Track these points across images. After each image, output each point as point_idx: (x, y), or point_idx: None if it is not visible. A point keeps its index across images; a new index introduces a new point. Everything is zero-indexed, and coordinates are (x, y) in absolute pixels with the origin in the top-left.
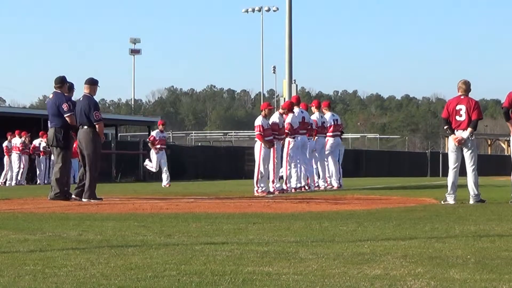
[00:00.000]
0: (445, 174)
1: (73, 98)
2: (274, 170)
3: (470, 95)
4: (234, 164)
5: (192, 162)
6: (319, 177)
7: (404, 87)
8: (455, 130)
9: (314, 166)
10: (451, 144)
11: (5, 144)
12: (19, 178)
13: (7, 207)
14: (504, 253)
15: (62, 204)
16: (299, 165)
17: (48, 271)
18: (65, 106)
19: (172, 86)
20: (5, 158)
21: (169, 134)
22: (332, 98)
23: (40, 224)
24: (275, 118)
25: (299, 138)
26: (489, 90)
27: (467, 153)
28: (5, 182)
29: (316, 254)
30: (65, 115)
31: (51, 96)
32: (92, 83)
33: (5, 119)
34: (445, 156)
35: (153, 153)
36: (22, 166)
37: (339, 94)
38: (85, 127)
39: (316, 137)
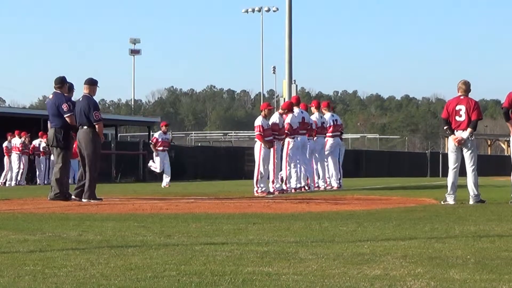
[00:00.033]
0: (445, 174)
1: (72, 98)
2: (274, 171)
3: (470, 95)
4: (234, 164)
5: (191, 163)
6: (319, 177)
7: (404, 88)
8: (455, 131)
9: (314, 167)
10: (451, 144)
11: (5, 144)
12: (18, 178)
13: (7, 207)
14: (504, 253)
15: (62, 204)
16: (299, 166)
17: (48, 272)
18: (65, 107)
19: (172, 87)
20: (5, 159)
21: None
22: (332, 99)
23: (40, 224)
24: (275, 118)
25: (298, 138)
26: (489, 90)
27: (467, 154)
28: (5, 183)
29: (316, 254)
30: (65, 116)
31: (51, 96)
32: (92, 83)
33: (5, 120)
34: (445, 156)
35: (159, 154)
36: (21, 166)
37: (339, 94)
38: (85, 127)
39: (315, 138)
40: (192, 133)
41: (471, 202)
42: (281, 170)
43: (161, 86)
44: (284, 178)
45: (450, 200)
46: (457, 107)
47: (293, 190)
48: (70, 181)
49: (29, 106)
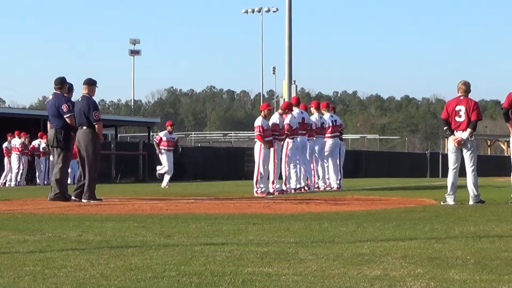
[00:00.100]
0: (445, 174)
1: (72, 99)
2: (274, 171)
3: (470, 96)
4: (234, 164)
5: (191, 163)
6: (318, 178)
7: (404, 88)
8: (455, 131)
9: (314, 167)
10: (450, 145)
11: (5, 145)
12: (18, 179)
13: (7, 207)
14: (503, 253)
15: (62, 205)
16: (298, 166)
17: (47, 272)
18: (64, 107)
19: (172, 87)
20: (5, 159)
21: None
22: (331, 99)
23: (39, 224)
24: (275, 118)
25: (298, 139)
26: (488, 90)
27: (466, 154)
28: (5, 183)
29: (315, 254)
30: (64, 116)
31: (50, 97)
32: (91, 84)
33: (5, 120)
34: (445, 156)
35: (163, 154)
36: (21, 167)
37: (338, 94)
38: (84, 127)
39: (315, 138)
40: (192, 134)
41: (471, 202)
42: (281, 170)
43: (161, 86)
44: (284, 179)
45: (450, 200)
46: (457, 108)
47: (292, 191)
48: (69, 182)
49: (29, 106)
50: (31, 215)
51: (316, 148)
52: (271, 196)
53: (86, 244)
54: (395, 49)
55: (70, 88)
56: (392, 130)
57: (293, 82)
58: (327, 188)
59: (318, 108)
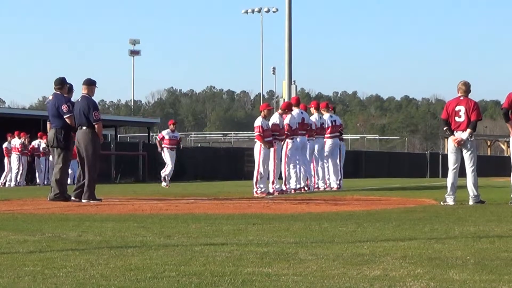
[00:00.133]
0: (445, 175)
1: (72, 99)
2: (274, 171)
3: (470, 96)
4: (234, 165)
5: (191, 163)
6: (318, 178)
7: (404, 88)
8: (455, 131)
9: (314, 167)
10: (450, 145)
11: (5, 145)
12: (18, 179)
13: (7, 208)
14: (503, 254)
15: (62, 205)
16: (298, 166)
17: (47, 272)
18: (64, 107)
19: (172, 87)
20: (5, 159)
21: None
22: (331, 99)
23: (39, 225)
24: (275, 119)
25: (298, 139)
26: (488, 91)
27: (466, 154)
28: (5, 183)
29: (315, 255)
30: (64, 116)
31: (51, 97)
32: (90, 84)
33: (5, 120)
34: (445, 157)
35: (165, 152)
36: (21, 167)
37: (338, 95)
38: (84, 127)
39: (314, 138)
40: (192, 134)
41: (470, 202)
42: (281, 171)
43: (161, 87)
44: (284, 179)
45: (449, 200)
46: (457, 108)
47: (292, 191)
48: (69, 182)
49: (29, 107)
50: (31, 215)
51: (316, 148)
52: (271, 196)
53: (86, 244)
54: (395, 49)
55: (70, 89)
56: (392, 130)
57: (293, 82)
58: (327, 189)
59: (318, 108)
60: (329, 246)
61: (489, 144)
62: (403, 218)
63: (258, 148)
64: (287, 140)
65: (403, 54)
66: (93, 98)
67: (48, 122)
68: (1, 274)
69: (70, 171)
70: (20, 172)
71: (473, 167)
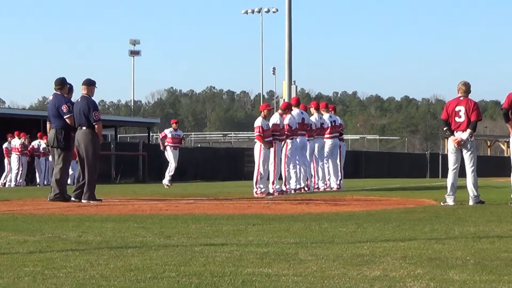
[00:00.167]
0: (445, 175)
1: (72, 99)
2: (274, 171)
3: (470, 96)
4: (234, 165)
5: (191, 163)
6: (318, 178)
7: (404, 88)
8: (455, 132)
9: (314, 167)
10: (450, 145)
11: (5, 145)
12: (18, 179)
13: (7, 208)
14: (503, 254)
15: (62, 205)
16: (298, 166)
17: (47, 273)
18: (64, 108)
19: (172, 87)
20: (5, 160)
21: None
22: (331, 99)
23: (39, 225)
24: (275, 119)
25: (298, 139)
26: (488, 91)
27: (466, 154)
28: (5, 184)
29: (315, 255)
30: (64, 117)
31: (51, 97)
32: (90, 84)
33: (5, 121)
34: (445, 157)
35: (168, 151)
36: (21, 167)
37: (338, 95)
38: (84, 128)
39: (314, 138)
40: (191, 134)
41: (470, 203)
42: (281, 171)
43: (161, 87)
44: (284, 179)
45: (449, 201)
46: (457, 108)
47: (292, 191)
48: (69, 182)
49: (29, 107)
50: (31, 216)
51: (316, 148)
52: (271, 196)
53: (86, 245)
54: (395, 49)
55: (70, 89)
56: (392, 130)
57: (293, 83)
58: (327, 189)
59: (317, 109)
60: (329, 247)
61: (489, 144)
62: (403, 219)
63: (258, 148)
64: (287, 140)
65: (403, 54)
66: (92, 98)
67: (48, 122)
68: (1, 275)
69: (70, 171)
70: (20, 172)
71: (473, 168)
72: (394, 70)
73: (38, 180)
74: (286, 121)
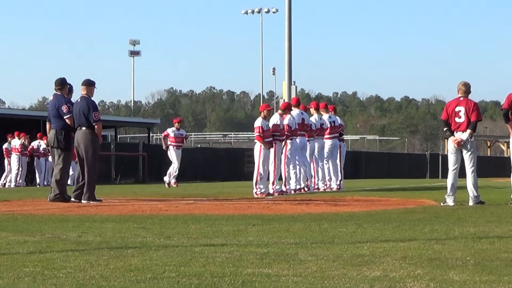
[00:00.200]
0: (445, 175)
1: (72, 100)
2: (274, 172)
3: (470, 96)
4: (234, 165)
5: (191, 164)
6: (318, 178)
7: (404, 89)
8: (455, 132)
9: (314, 168)
10: (450, 145)
11: (5, 146)
12: (18, 179)
13: (7, 208)
14: (503, 254)
15: (62, 205)
16: (298, 167)
17: (47, 273)
18: (64, 108)
19: (172, 88)
20: (5, 160)
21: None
22: (331, 100)
23: (39, 225)
24: (275, 119)
25: (297, 139)
26: (488, 91)
27: (466, 155)
28: (5, 184)
29: (315, 255)
30: (64, 117)
31: (51, 98)
32: (89, 84)
33: (5, 121)
34: (445, 157)
35: (171, 151)
36: (21, 168)
37: (338, 95)
38: (84, 128)
39: (314, 139)
40: (191, 135)
41: (470, 203)
42: (281, 171)
43: (161, 87)
44: (283, 179)
45: (449, 201)
46: (457, 109)
47: (292, 192)
48: (69, 182)
49: (29, 107)
50: (31, 216)
51: (316, 149)
52: (270, 197)
53: (85, 245)
54: (395, 49)
55: (71, 89)
56: (392, 131)
57: (293, 83)
58: (327, 189)
59: (317, 109)
60: (329, 247)
61: (489, 144)
62: (403, 219)
63: (258, 148)
64: (287, 141)
65: (403, 54)
66: (92, 98)
67: (47, 122)
68: (1, 275)
69: (70, 172)
70: (20, 172)
71: (473, 168)
72: (394, 70)
73: (38, 181)
74: (285, 122)
